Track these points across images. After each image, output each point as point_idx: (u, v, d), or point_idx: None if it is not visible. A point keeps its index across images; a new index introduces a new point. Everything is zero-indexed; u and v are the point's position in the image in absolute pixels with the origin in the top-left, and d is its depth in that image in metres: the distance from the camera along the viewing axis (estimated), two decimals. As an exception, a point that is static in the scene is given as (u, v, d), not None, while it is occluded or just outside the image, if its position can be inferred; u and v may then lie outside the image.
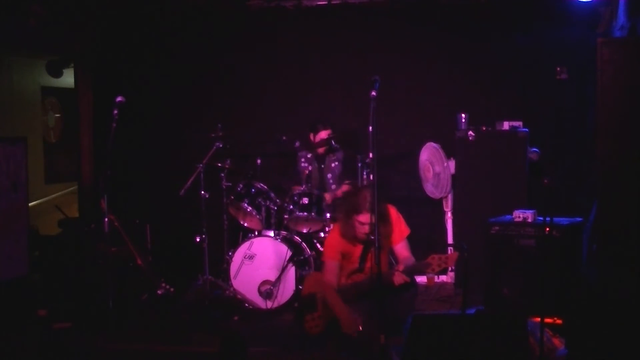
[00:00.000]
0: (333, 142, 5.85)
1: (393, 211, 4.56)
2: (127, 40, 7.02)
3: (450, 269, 4.22)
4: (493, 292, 5.08)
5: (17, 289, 5.50)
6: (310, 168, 5.88)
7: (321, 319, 4.53)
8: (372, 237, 3.69)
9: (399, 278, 4.24)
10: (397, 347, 4.13)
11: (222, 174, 5.82)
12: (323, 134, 5.91)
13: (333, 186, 6.02)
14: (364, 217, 4.33)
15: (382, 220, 4.32)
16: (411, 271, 4.34)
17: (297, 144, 6.11)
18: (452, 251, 4.27)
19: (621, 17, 5.54)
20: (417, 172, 6.32)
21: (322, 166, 6.04)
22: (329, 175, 6.01)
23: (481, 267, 5.21)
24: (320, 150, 6.00)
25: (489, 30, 6.40)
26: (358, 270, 4.52)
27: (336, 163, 6.03)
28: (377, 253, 3.70)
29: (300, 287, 5.55)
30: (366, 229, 4.34)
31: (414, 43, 6.57)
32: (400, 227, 4.56)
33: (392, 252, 4.69)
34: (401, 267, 4.30)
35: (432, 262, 4.19)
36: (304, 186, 5.76)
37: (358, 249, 4.56)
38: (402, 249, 4.56)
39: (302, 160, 6.05)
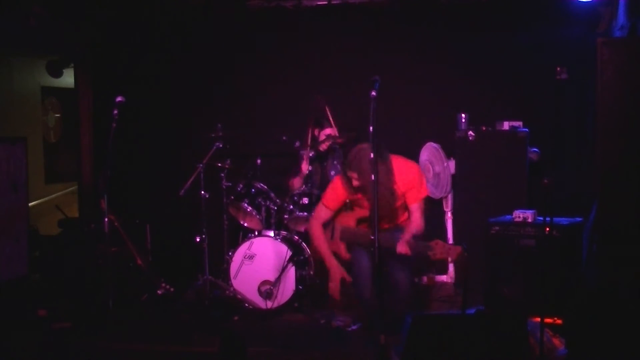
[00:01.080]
0: (337, 144, 5.87)
1: (414, 169, 4.59)
2: (127, 40, 7.02)
3: (450, 260, 4.16)
4: (493, 292, 5.08)
5: (17, 289, 5.50)
6: (310, 167, 5.88)
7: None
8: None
9: (402, 247, 4.18)
10: (398, 346, 4.13)
11: (222, 174, 5.82)
12: (328, 131, 5.92)
13: None
14: (353, 174, 4.38)
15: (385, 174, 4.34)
16: (414, 247, 4.28)
17: (297, 144, 6.11)
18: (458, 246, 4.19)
19: (621, 17, 5.54)
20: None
21: (325, 164, 6.04)
22: (332, 173, 6.01)
23: (481, 267, 5.21)
24: (324, 146, 5.99)
25: (489, 30, 6.40)
26: (370, 218, 4.41)
27: (336, 162, 6.04)
28: (377, 252, 3.69)
29: (300, 287, 5.57)
30: (356, 183, 4.40)
31: (414, 43, 6.56)
32: (417, 188, 4.52)
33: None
34: (407, 237, 4.26)
35: (435, 246, 4.13)
36: (303, 186, 5.76)
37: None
38: (415, 210, 4.52)
39: (304, 158, 6.05)
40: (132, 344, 3.78)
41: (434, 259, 4.15)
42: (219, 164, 5.79)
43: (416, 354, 3.63)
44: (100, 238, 4.91)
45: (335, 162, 6.07)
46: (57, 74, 7.44)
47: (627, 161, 4.53)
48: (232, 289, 5.60)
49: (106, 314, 4.65)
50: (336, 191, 4.64)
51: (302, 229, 5.81)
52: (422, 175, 4.63)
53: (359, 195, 4.52)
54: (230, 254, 5.69)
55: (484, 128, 5.95)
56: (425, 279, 6.38)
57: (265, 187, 5.81)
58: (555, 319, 4.53)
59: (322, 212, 4.74)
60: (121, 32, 6.99)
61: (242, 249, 5.61)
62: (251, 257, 5.59)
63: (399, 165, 4.55)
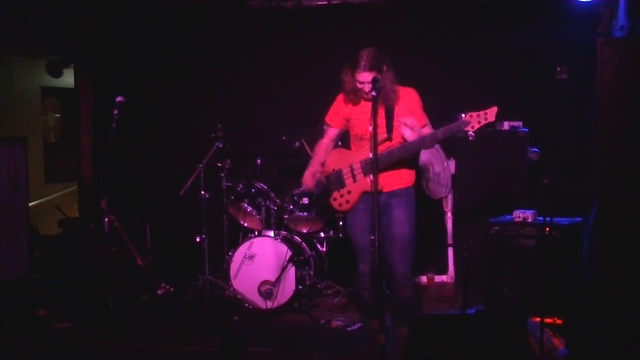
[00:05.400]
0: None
1: (414, 95, 4.43)
2: (127, 40, 7.01)
3: (489, 120, 3.92)
4: (493, 292, 5.08)
5: (17, 289, 5.50)
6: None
7: (350, 195, 4.36)
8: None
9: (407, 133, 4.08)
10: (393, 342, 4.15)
11: (222, 174, 5.82)
12: None
13: None
14: (361, 76, 4.19)
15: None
16: (446, 133, 4.17)
17: (297, 144, 6.11)
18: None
19: (621, 17, 5.54)
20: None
21: None
22: None
23: (481, 267, 5.21)
24: None
25: (489, 30, 6.40)
26: (387, 140, 4.29)
27: None
28: (377, 252, 3.69)
29: (300, 287, 5.57)
30: (366, 87, 4.19)
31: (414, 43, 6.56)
32: (418, 112, 4.37)
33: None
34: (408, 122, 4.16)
35: (470, 119, 4.00)
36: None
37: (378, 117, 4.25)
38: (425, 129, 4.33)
39: None
40: (132, 344, 3.78)
41: (474, 130, 4.04)
42: (219, 164, 5.79)
43: (416, 354, 3.63)
44: (100, 238, 4.90)
45: None
46: (57, 74, 7.43)
47: (627, 161, 4.52)
48: (232, 289, 5.60)
49: (106, 314, 4.65)
50: (337, 106, 4.46)
51: (302, 229, 5.81)
52: (420, 100, 4.45)
53: (355, 111, 4.34)
54: (230, 254, 5.69)
55: (484, 128, 5.94)
56: (425, 279, 6.38)
57: (265, 187, 5.81)
58: (555, 319, 4.53)
59: (328, 131, 4.55)
60: (121, 32, 6.99)
61: (242, 249, 5.61)
62: (251, 257, 5.59)
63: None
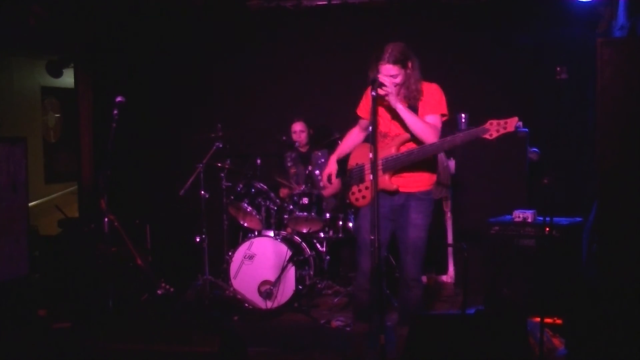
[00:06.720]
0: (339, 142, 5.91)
1: (434, 88, 4.33)
2: (127, 41, 7.02)
3: (507, 130, 3.88)
4: (493, 292, 5.08)
5: (17, 289, 5.50)
6: (309, 168, 5.88)
7: (368, 190, 4.27)
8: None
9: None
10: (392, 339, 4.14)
11: (222, 174, 5.82)
12: (295, 126, 6.12)
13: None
14: (384, 68, 4.08)
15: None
16: (464, 138, 4.10)
17: (297, 144, 6.13)
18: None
19: (621, 17, 5.54)
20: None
21: (309, 165, 6.02)
22: (317, 172, 6.00)
23: (481, 267, 5.21)
24: (303, 149, 6.07)
25: (489, 30, 6.40)
26: (410, 140, 4.18)
27: (322, 160, 6.04)
28: (377, 252, 3.68)
29: (300, 287, 5.57)
30: (389, 81, 4.06)
31: (414, 43, 6.48)
32: (436, 102, 4.24)
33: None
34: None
35: (490, 127, 3.95)
36: (303, 186, 5.76)
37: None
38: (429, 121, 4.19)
39: (288, 160, 6.13)
40: (132, 344, 3.77)
41: (492, 138, 4.02)
42: (219, 164, 5.79)
43: (416, 354, 3.63)
44: (100, 238, 4.90)
45: (320, 162, 6.07)
46: (57, 74, 7.44)
47: (626, 161, 4.53)
48: (232, 289, 5.60)
49: (106, 314, 4.65)
50: (365, 99, 4.37)
51: (302, 229, 5.81)
52: (442, 94, 4.32)
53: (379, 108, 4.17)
54: (230, 254, 5.69)
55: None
56: (425, 279, 6.37)
57: (265, 187, 5.81)
58: (555, 319, 4.53)
59: (359, 122, 4.46)
60: (121, 32, 6.99)
61: (242, 249, 5.61)
62: (251, 257, 5.60)
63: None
